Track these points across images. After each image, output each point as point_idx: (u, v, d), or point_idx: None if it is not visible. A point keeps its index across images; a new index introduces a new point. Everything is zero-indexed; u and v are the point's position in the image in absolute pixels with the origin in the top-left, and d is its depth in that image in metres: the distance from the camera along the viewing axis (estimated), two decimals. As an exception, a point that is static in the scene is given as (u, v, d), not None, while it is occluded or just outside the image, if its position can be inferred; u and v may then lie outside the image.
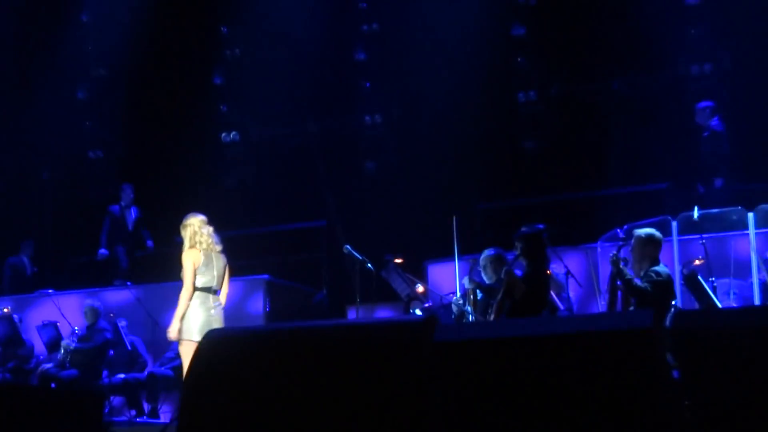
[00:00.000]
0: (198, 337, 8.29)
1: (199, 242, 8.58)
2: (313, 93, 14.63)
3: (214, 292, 8.57)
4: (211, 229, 8.79)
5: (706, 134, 11.69)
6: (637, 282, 7.86)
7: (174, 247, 12.58)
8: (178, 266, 8.70)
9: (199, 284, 8.47)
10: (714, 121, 11.65)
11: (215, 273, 8.57)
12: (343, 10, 14.64)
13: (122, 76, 15.62)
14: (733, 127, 12.35)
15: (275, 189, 14.74)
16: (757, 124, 12.14)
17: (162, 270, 13.30)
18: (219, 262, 8.66)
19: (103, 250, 13.76)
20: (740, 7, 12.51)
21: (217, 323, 8.46)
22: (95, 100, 15.89)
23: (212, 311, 8.50)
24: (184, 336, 8.41)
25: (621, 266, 8.00)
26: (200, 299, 8.46)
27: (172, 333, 8.45)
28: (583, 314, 9.91)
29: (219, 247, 8.73)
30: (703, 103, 11.76)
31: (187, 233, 8.65)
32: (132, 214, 13.82)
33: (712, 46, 12.86)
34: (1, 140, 16.22)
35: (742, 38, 12.71)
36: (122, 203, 13.88)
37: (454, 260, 10.79)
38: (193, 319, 8.39)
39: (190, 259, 8.47)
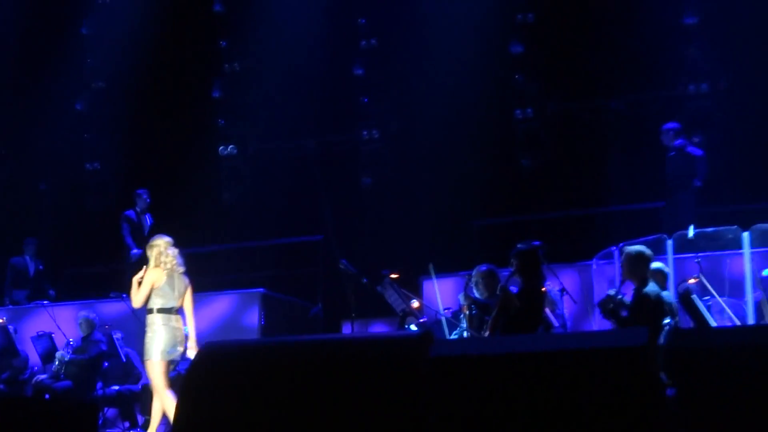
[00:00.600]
0: (161, 357, 8.54)
1: (163, 263, 8.79)
2: (310, 107, 14.64)
3: (176, 311, 8.76)
4: (176, 251, 8.98)
5: (671, 154, 11.74)
6: (624, 314, 7.96)
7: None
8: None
9: (159, 305, 8.67)
10: (678, 142, 11.70)
11: (176, 294, 8.78)
12: (342, 25, 14.68)
13: (121, 89, 15.61)
14: (728, 146, 12.41)
15: (272, 203, 14.72)
16: (754, 144, 12.18)
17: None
18: (181, 283, 8.86)
19: (136, 250, 13.43)
20: (737, 28, 12.58)
21: (182, 342, 8.70)
22: (94, 112, 15.91)
23: (176, 331, 8.69)
24: (149, 356, 8.61)
25: (610, 308, 8.07)
26: (162, 320, 8.65)
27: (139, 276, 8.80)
28: (577, 331, 9.93)
29: (182, 269, 8.93)
30: (668, 125, 11.83)
31: (153, 253, 8.85)
32: (147, 220, 13.67)
33: (708, 66, 12.91)
34: (2, 146, 16.29)
35: (739, 58, 12.77)
36: (137, 209, 13.64)
37: (450, 277, 10.83)
38: (158, 339, 8.57)
39: (152, 278, 8.68)
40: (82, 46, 15.99)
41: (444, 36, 13.57)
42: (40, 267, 14.32)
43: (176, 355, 8.72)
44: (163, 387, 8.61)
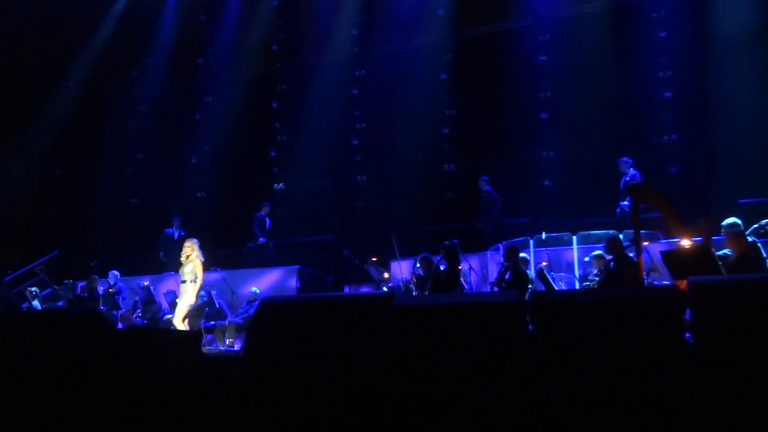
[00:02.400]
0: (190, 304, 8.72)
1: (201, 255, 8.75)
2: (327, 162, 14.68)
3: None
4: None
5: (483, 195, 11.85)
6: (503, 285, 8.02)
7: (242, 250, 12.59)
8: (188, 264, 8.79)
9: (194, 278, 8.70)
10: (488, 188, 11.80)
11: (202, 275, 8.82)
12: (346, 114, 14.76)
13: (218, 150, 15.63)
14: (566, 187, 12.51)
15: (305, 216, 14.72)
16: (579, 188, 12.31)
17: (238, 262, 13.23)
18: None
19: (262, 239, 13.32)
20: (572, 119, 12.73)
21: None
22: (201, 163, 15.88)
23: (201, 293, 9.02)
24: (187, 303, 8.71)
25: (497, 281, 8.17)
26: (194, 287, 8.74)
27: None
28: (478, 292, 9.95)
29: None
30: (483, 177, 11.93)
31: (196, 248, 8.72)
32: (268, 220, 13.49)
33: (554, 141, 13.03)
34: (149, 183, 16.20)
35: (573, 137, 12.89)
36: (263, 212, 13.43)
37: (406, 260, 10.79)
38: (193, 295, 8.73)
39: (201, 263, 8.70)
40: (197, 125, 15.98)
41: (405, 122, 13.66)
42: (182, 233, 14.07)
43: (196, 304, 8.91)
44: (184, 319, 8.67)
